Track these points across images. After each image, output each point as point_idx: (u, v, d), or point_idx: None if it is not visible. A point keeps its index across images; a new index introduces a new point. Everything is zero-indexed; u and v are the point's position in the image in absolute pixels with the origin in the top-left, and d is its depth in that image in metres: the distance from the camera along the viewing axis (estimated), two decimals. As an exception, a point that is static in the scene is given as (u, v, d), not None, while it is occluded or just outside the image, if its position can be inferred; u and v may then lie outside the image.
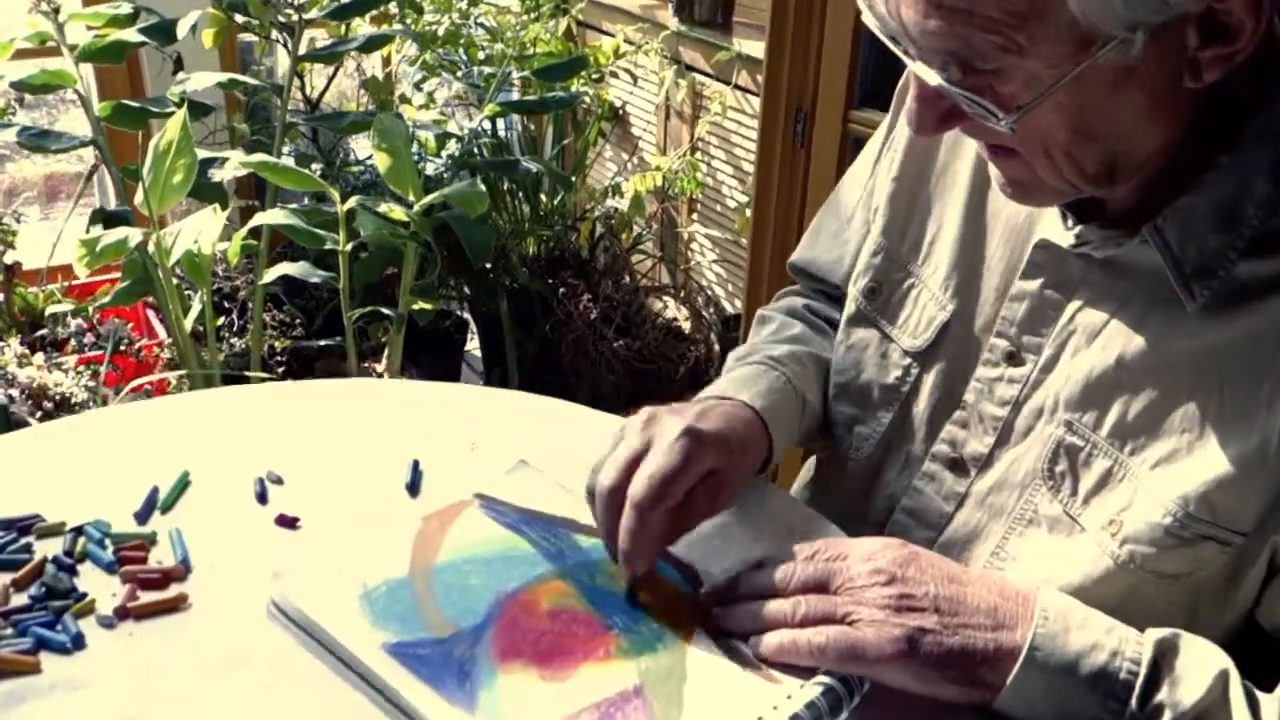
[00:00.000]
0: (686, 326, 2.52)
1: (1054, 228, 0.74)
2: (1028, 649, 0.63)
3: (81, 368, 1.92)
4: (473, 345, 2.74)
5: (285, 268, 1.90)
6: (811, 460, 1.02)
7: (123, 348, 1.96)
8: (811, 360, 0.90)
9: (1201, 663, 0.62)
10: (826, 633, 0.66)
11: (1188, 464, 0.65)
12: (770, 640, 0.68)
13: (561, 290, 2.41)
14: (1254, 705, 0.61)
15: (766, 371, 0.85)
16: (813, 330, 0.96)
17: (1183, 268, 0.66)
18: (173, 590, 0.72)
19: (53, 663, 0.66)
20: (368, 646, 0.67)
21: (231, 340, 2.14)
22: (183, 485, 0.82)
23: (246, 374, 1.97)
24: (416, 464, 0.86)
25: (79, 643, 0.67)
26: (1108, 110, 0.62)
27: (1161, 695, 0.61)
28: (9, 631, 0.67)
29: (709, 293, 2.58)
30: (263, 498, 0.81)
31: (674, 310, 2.56)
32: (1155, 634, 0.64)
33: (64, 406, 1.81)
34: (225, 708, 0.64)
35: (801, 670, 0.67)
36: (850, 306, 0.88)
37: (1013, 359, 0.76)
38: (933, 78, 0.62)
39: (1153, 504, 0.66)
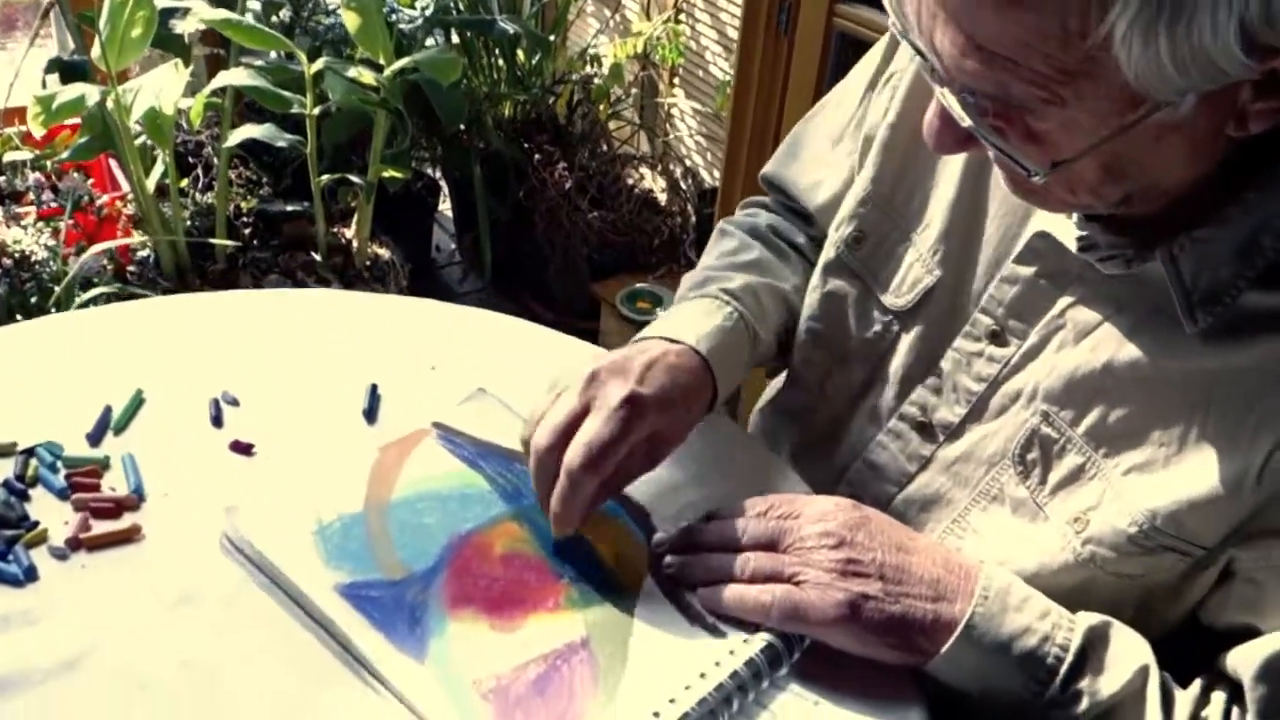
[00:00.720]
0: (663, 198, 2.47)
1: (1055, 216, 0.71)
2: (964, 625, 0.64)
3: (41, 224, 1.87)
4: (445, 207, 2.70)
5: (250, 130, 1.84)
6: (778, 380, 1.00)
7: (83, 205, 1.91)
8: (767, 292, 0.88)
9: (1126, 655, 0.64)
10: (773, 591, 0.67)
11: (1162, 477, 0.65)
12: (717, 594, 0.69)
13: (536, 157, 2.36)
14: (1168, 702, 0.64)
15: (720, 307, 0.83)
16: (773, 254, 0.93)
17: (1190, 295, 0.64)
18: (126, 520, 0.72)
19: (4, 595, 0.66)
20: (320, 588, 0.68)
21: (197, 197, 2.09)
22: (136, 404, 0.81)
23: (212, 239, 1.93)
24: (375, 389, 0.85)
25: (31, 575, 0.67)
26: (1145, 157, 0.59)
27: (1083, 683, 0.64)
28: (-40, 563, 0.68)
29: (688, 163, 2.53)
30: (218, 420, 0.81)
31: (650, 181, 2.51)
32: (1087, 621, 0.65)
33: (23, 265, 1.77)
34: (180, 642, 0.65)
35: (747, 624, 0.69)
36: (830, 252, 0.85)
37: (996, 338, 0.75)
38: (963, 118, 0.59)
39: (1120, 510, 0.67)
